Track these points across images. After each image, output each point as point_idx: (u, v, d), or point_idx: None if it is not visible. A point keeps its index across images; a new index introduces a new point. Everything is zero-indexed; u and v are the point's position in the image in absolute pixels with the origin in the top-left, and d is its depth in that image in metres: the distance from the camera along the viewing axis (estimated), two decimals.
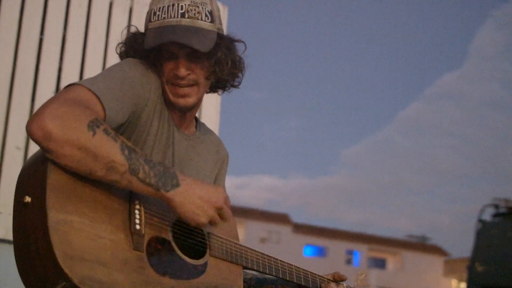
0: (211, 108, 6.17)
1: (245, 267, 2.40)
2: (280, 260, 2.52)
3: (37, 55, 5.41)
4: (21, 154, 5.01)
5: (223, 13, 6.34)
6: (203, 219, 2.06)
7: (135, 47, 2.34)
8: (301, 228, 51.15)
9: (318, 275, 2.66)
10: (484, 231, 12.12)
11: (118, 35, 2.44)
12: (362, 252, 53.04)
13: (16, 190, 1.91)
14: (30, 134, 1.83)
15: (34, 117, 1.84)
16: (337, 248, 51.00)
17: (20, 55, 5.35)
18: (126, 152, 1.91)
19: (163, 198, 2.00)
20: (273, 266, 2.47)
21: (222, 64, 2.33)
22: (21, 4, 5.45)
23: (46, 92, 5.23)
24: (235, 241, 2.39)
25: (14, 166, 4.93)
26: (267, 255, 2.48)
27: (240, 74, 2.46)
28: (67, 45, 5.53)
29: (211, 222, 2.12)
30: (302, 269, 2.61)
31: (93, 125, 1.87)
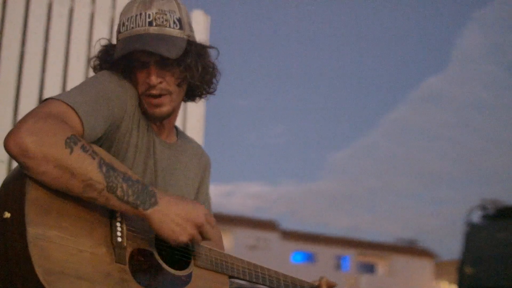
0: (195, 117, 6.15)
1: (230, 276, 2.38)
2: (267, 269, 2.52)
3: (18, 68, 5.37)
4: (4, 167, 4.97)
5: (206, 22, 6.32)
6: (182, 237, 2.04)
7: (107, 59, 2.35)
8: (289, 235, 51.18)
9: (306, 282, 2.64)
10: (472, 233, 12.14)
11: (99, 46, 2.43)
12: (351, 257, 53.10)
13: None
14: (8, 150, 1.82)
15: (11, 133, 1.82)
16: (326, 254, 51.02)
17: (1, 68, 5.31)
18: (104, 169, 1.89)
19: (142, 216, 1.98)
20: (259, 274, 2.47)
21: (192, 70, 2.32)
22: (1, 17, 5.41)
23: (28, 104, 5.19)
24: (220, 250, 2.38)
25: None
26: (253, 264, 2.47)
27: (214, 80, 2.46)
28: (49, 57, 5.50)
29: (192, 241, 2.10)
30: (289, 276, 2.59)
31: (71, 141, 1.85)
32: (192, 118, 6.11)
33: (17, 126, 1.83)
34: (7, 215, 1.81)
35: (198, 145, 2.69)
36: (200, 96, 2.51)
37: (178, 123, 6.10)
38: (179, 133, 2.57)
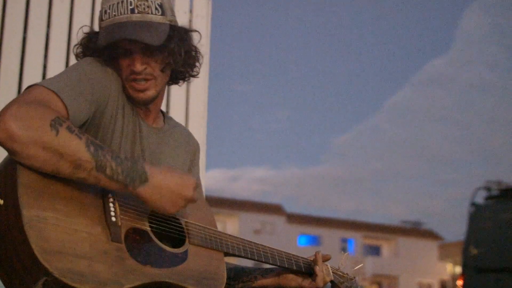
0: (198, 103, 6.14)
1: (226, 253, 2.40)
2: (261, 245, 2.53)
3: (21, 54, 5.38)
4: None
5: (207, 6, 6.31)
6: (173, 210, 2.08)
7: (90, 46, 2.35)
8: (294, 218, 51.32)
9: (302, 258, 2.66)
10: (477, 214, 12.14)
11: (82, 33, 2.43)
12: (357, 239, 53.24)
13: None
14: None
15: None
16: (331, 237, 51.16)
17: (4, 54, 5.32)
18: (92, 149, 1.89)
19: (132, 193, 1.99)
20: (254, 250, 2.48)
21: (175, 56, 2.32)
22: (3, 2, 5.41)
23: None
24: (213, 228, 2.39)
25: None
26: (247, 240, 2.48)
27: (197, 64, 2.46)
28: (51, 42, 5.49)
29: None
30: (284, 252, 2.61)
31: (56, 123, 1.85)
32: (195, 104, 6.11)
33: (1, 113, 1.83)
34: (0, 202, 1.82)
35: (186, 130, 2.70)
36: (184, 80, 2.52)
37: (181, 110, 6.11)
38: (166, 118, 2.57)
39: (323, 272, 2.62)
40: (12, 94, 5.20)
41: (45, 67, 5.47)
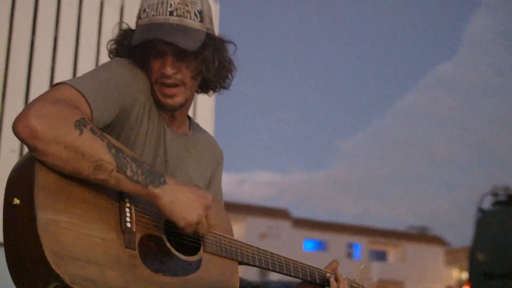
0: (205, 107, 6.15)
1: (240, 262, 2.38)
2: (277, 254, 2.51)
3: (29, 56, 5.39)
4: (15, 156, 4.99)
5: (215, 9, 6.32)
6: (192, 217, 2.04)
7: (124, 44, 2.34)
8: (300, 223, 51.17)
9: (317, 269, 2.64)
10: (484, 220, 12.10)
11: (110, 34, 2.43)
12: (363, 244, 53.08)
13: (5, 193, 1.89)
14: (16, 133, 1.83)
15: (20, 116, 1.83)
16: (337, 242, 50.99)
17: (12, 56, 5.33)
18: (113, 150, 1.90)
19: (151, 195, 1.98)
20: (269, 260, 2.46)
21: (208, 64, 2.31)
22: (11, 5, 5.42)
23: (39, 92, 5.16)
24: (229, 237, 2.37)
25: (9, 169, 4.88)
26: (262, 250, 2.46)
27: (229, 75, 2.44)
28: (59, 45, 5.51)
29: (199, 224, 2.09)
30: (299, 262, 2.59)
31: (80, 124, 1.86)
32: (202, 108, 6.12)
33: (26, 109, 1.84)
34: (16, 201, 1.82)
35: (211, 137, 2.68)
36: (214, 90, 2.49)
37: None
38: (192, 124, 2.56)
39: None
40: (21, 95, 5.21)
41: (52, 69, 5.48)
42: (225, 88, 2.48)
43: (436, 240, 56.31)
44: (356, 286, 2.73)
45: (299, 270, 2.57)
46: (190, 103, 2.42)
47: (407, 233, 56.97)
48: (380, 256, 55.10)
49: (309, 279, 2.59)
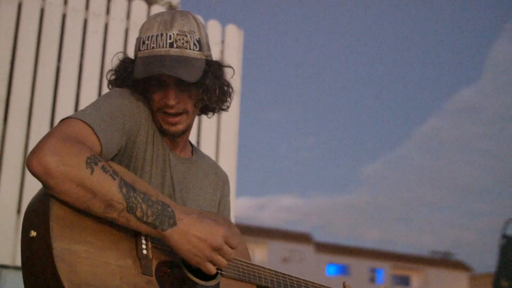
0: (229, 132, 6.18)
1: (258, 286, 2.38)
2: (295, 277, 2.51)
3: (54, 83, 5.46)
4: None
5: (239, 36, 6.38)
6: (198, 259, 2.04)
7: (124, 75, 2.36)
8: (323, 247, 50.92)
9: None
10: (507, 246, 11.99)
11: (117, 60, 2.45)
12: (386, 269, 52.69)
13: (22, 227, 1.93)
14: (30, 169, 1.86)
15: (33, 153, 1.87)
16: (360, 266, 50.67)
17: (38, 83, 5.40)
18: (124, 190, 1.92)
19: (161, 236, 2.00)
20: (288, 282, 2.47)
21: (210, 92, 2.34)
22: (38, 32, 5.50)
23: None
24: (246, 260, 2.38)
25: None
26: (281, 273, 2.46)
27: (228, 99, 2.47)
28: (84, 71, 5.58)
29: (212, 263, 2.09)
30: (318, 284, 2.59)
31: (91, 162, 1.89)
32: (226, 133, 6.15)
33: (39, 146, 1.88)
34: (33, 233, 1.85)
35: (214, 162, 2.70)
36: (213, 112, 2.52)
37: (211, 139, 6.15)
38: (194, 149, 2.58)
39: None
40: (46, 121, 5.27)
41: (77, 96, 5.54)
42: (224, 110, 2.51)
43: (459, 265, 55.80)
44: None
45: None
46: (191, 128, 2.44)
47: (430, 258, 56.50)
48: (404, 281, 54.64)
49: None
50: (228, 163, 5.91)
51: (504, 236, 12.14)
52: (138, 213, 1.94)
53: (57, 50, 5.55)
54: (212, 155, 5.95)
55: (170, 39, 2.27)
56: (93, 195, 1.88)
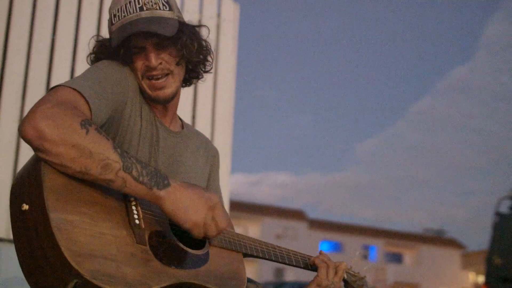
0: (225, 111, 6.17)
1: (245, 254, 2.44)
2: (278, 246, 2.58)
3: (49, 57, 5.43)
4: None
5: (235, 10, 6.34)
6: (195, 218, 2.05)
7: (103, 51, 2.37)
8: (316, 224, 51.20)
9: (308, 257, 2.69)
10: (501, 224, 12.05)
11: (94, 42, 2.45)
12: (379, 247, 53.01)
13: (11, 203, 1.92)
14: (23, 135, 1.85)
15: (26, 118, 1.86)
16: (353, 244, 50.96)
17: (33, 57, 5.37)
18: (119, 150, 1.92)
19: (155, 197, 2.00)
20: (271, 251, 2.54)
21: (189, 47, 2.35)
22: (33, 5, 5.47)
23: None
24: (232, 231, 2.43)
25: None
26: (264, 242, 2.53)
27: (209, 57, 2.49)
28: (80, 44, 5.55)
29: (206, 226, 2.10)
30: (299, 253, 2.67)
31: (85, 123, 1.88)
32: (222, 112, 6.14)
33: (31, 111, 1.86)
34: (25, 207, 1.84)
35: (204, 136, 2.72)
36: (198, 77, 2.54)
37: (207, 114, 6.14)
38: (184, 124, 2.60)
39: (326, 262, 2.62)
40: (41, 95, 5.25)
41: (72, 69, 5.52)
42: (207, 71, 2.53)
43: (452, 243, 56.15)
44: (352, 272, 2.76)
45: (300, 260, 2.65)
46: (179, 96, 2.45)
47: (423, 235, 56.85)
48: (396, 258, 55.00)
49: (302, 266, 2.66)
50: (223, 139, 5.92)
51: (498, 214, 12.20)
52: (134, 173, 1.94)
53: (52, 23, 5.51)
54: (207, 131, 5.95)
55: (139, 3, 2.30)
56: (89, 154, 1.86)
